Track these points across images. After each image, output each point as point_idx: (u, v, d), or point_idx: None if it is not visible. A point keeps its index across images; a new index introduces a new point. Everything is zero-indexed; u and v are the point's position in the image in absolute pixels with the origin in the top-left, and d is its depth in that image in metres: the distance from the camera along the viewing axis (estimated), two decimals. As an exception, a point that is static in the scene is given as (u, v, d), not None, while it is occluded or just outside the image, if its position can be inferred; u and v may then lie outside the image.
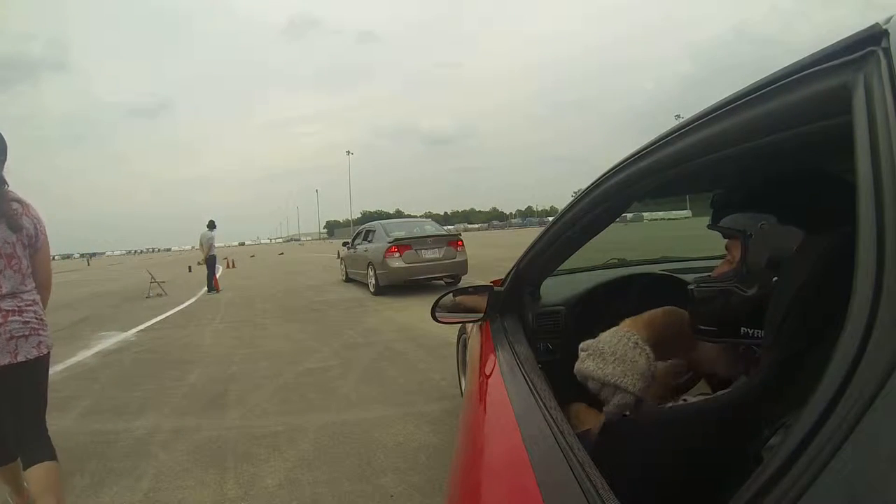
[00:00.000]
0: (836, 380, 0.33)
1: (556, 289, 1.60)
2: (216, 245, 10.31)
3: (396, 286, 7.54)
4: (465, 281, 7.55)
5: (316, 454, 2.33)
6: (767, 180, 0.73)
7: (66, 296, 10.71)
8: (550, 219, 1.32)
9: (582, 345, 0.76)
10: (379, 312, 6.19)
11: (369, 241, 8.36)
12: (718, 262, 0.83)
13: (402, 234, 7.95)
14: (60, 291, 11.34)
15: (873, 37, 0.42)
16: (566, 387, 1.11)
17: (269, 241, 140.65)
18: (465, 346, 2.32)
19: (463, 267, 7.87)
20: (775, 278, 0.67)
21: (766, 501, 0.34)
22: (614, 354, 0.71)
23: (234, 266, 17.68)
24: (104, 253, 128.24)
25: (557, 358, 1.46)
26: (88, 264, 43.05)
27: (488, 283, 1.52)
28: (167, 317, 7.10)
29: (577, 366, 0.74)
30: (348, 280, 9.83)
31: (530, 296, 1.46)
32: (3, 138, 1.67)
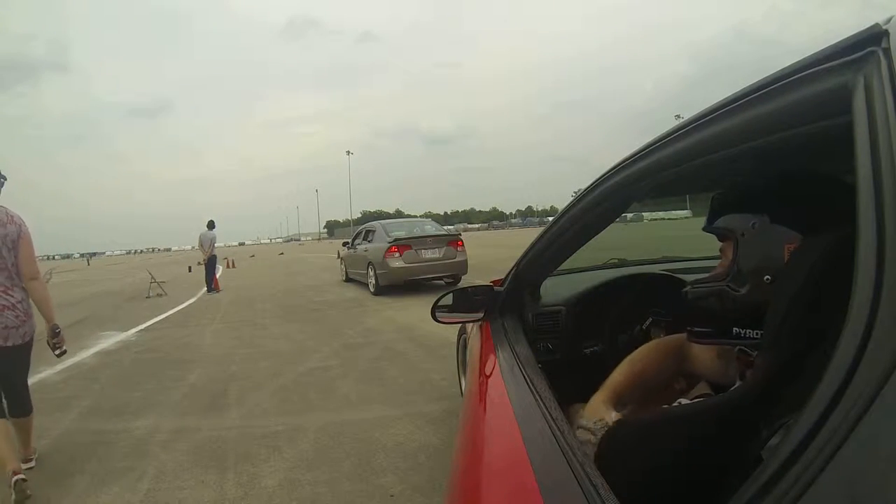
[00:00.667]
0: (836, 380, 0.33)
1: (556, 289, 1.59)
2: (216, 245, 10.31)
3: (396, 286, 7.54)
4: (465, 281, 7.55)
5: (316, 454, 2.33)
6: (762, 181, 0.73)
7: (66, 295, 10.71)
8: (550, 219, 1.32)
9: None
10: (379, 312, 6.19)
11: (369, 241, 8.35)
12: (719, 261, 0.83)
13: (402, 234, 7.95)
14: (60, 291, 11.37)
15: (873, 37, 0.42)
16: (566, 387, 1.10)
17: (269, 241, 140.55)
18: (465, 346, 2.32)
19: (463, 267, 7.86)
20: (767, 277, 0.67)
21: (766, 501, 0.34)
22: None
23: (233, 266, 17.68)
24: (104, 253, 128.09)
25: (557, 358, 1.47)
26: (88, 264, 43.05)
27: (488, 283, 1.52)
28: (167, 317, 7.10)
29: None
30: (348, 280, 9.83)
31: (530, 296, 1.46)
32: None
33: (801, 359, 0.55)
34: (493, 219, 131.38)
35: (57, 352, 2.30)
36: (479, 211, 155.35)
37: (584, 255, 1.31)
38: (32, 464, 2.32)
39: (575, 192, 1.13)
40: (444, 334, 3.88)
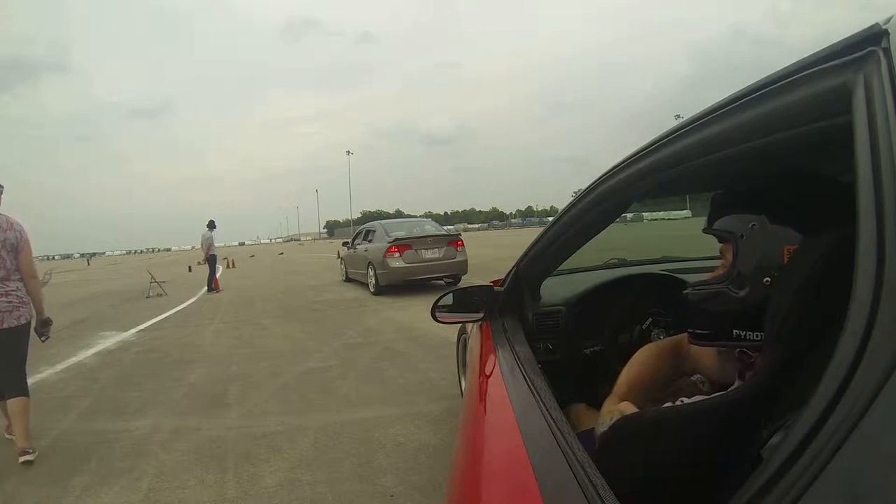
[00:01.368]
0: (836, 380, 0.33)
1: (556, 289, 1.59)
2: (216, 245, 10.31)
3: (396, 286, 7.54)
4: (465, 281, 7.55)
5: (316, 454, 2.33)
6: (761, 181, 0.73)
7: (67, 295, 10.71)
8: (550, 219, 1.32)
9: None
10: (379, 312, 6.19)
11: (369, 241, 8.35)
12: (719, 261, 0.83)
13: (402, 234, 7.94)
14: (60, 291, 11.37)
15: (873, 37, 0.41)
16: (566, 387, 1.10)
17: (269, 241, 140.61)
18: (465, 346, 2.32)
19: (463, 267, 7.86)
20: (766, 280, 0.67)
21: (766, 501, 0.34)
22: None
23: (234, 266, 17.68)
24: (104, 253, 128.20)
25: (557, 358, 1.46)
26: (88, 264, 43.06)
27: (488, 283, 1.52)
28: (167, 317, 7.10)
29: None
30: (348, 280, 9.83)
31: (530, 296, 1.46)
32: None
33: (802, 359, 0.55)
34: (493, 219, 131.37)
35: (43, 338, 2.60)
36: (479, 211, 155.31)
37: (584, 255, 1.30)
38: (32, 456, 2.37)
39: (575, 192, 1.13)
40: (443, 334, 3.88)
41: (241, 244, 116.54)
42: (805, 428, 0.33)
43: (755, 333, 0.69)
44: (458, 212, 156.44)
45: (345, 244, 10.21)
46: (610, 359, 1.38)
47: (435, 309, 1.52)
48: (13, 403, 2.39)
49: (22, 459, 2.32)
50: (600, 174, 0.92)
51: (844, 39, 0.44)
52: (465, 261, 7.91)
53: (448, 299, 1.55)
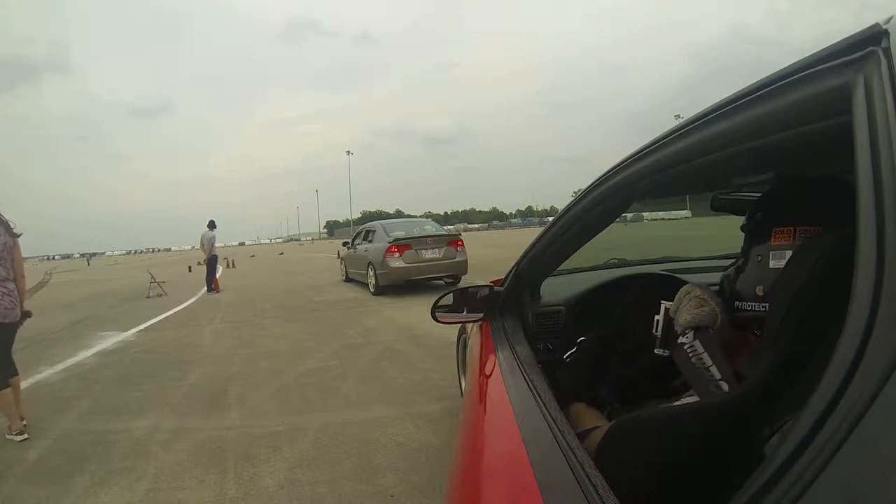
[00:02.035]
0: (836, 380, 0.33)
1: (556, 289, 1.59)
2: (216, 245, 10.30)
3: (396, 286, 7.54)
4: (465, 281, 7.55)
5: (316, 454, 2.33)
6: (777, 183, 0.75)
7: (67, 295, 10.72)
8: (550, 219, 1.32)
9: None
10: (379, 312, 6.19)
11: (369, 241, 8.35)
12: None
13: (402, 234, 7.94)
14: (60, 291, 11.37)
15: (873, 37, 0.41)
16: (566, 387, 1.10)
17: (269, 241, 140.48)
18: (465, 346, 2.31)
19: (463, 267, 7.86)
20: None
21: (766, 501, 0.34)
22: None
23: (234, 266, 17.68)
24: (104, 253, 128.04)
25: (557, 358, 1.46)
26: (88, 264, 43.06)
27: (488, 283, 1.52)
28: (167, 317, 7.09)
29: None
30: (348, 280, 9.83)
31: (530, 296, 1.46)
32: None
33: (802, 359, 0.55)
34: (493, 219, 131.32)
35: (20, 326, 2.89)
36: (479, 211, 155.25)
37: (584, 255, 1.30)
38: (23, 437, 2.68)
39: (575, 192, 1.13)
40: (443, 334, 3.88)
41: (241, 244, 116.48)
42: (805, 428, 0.33)
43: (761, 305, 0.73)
44: (458, 212, 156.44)
45: (345, 244, 10.21)
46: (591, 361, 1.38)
47: (435, 309, 1.52)
48: (16, 380, 2.76)
49: (19, 438, 2.66)
50: (600, 174, 0.92)
51: (844, 39, 0.44)
52: (465, 261, 7.91)
53: (448, 299, 1.55)
